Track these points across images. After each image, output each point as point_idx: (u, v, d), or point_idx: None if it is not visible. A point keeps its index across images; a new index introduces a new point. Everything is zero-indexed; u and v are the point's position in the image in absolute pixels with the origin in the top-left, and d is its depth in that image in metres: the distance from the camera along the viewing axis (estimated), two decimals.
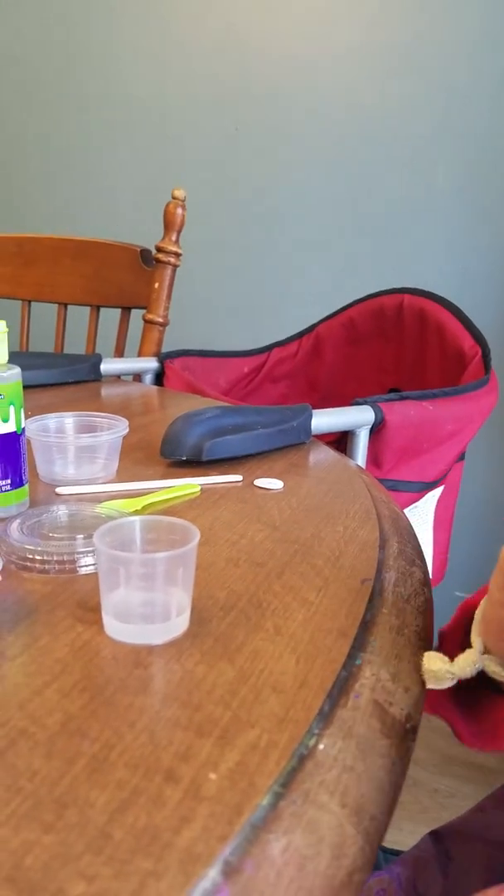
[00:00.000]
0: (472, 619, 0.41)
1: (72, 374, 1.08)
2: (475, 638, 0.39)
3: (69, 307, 1.42)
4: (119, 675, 0.37)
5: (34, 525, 0.52)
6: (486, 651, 0.39)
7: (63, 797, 0.28)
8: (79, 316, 1.45)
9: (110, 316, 1.41)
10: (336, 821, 0.29)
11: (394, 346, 1.31)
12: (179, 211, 1.26)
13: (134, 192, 1.81)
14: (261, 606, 0.45)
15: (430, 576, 0.81)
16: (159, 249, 1.28)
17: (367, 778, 0.32)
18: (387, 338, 1.31)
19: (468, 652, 0.39)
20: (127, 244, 1.34)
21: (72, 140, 1.86)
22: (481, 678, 0.39)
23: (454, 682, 0.40)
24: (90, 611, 0.43)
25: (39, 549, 0.48)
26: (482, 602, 0.40)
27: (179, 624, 0.41)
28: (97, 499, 0.61)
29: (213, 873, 0.26)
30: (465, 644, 0.41)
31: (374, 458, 0.94)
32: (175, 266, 1.29)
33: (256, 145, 1.68)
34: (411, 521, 0.65)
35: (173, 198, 1.26)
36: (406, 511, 0.91)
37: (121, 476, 0.68)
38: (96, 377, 1.11)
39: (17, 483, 0.56)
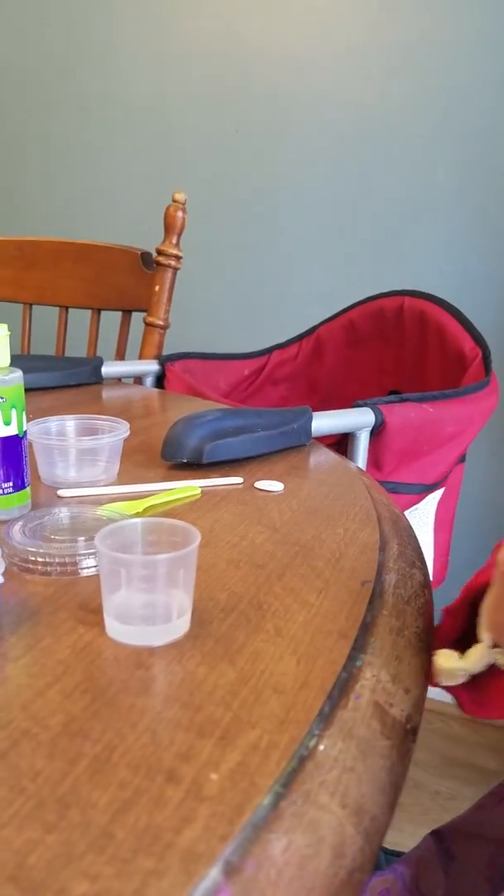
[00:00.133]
0: (474, 600, 0.42)
1: (73, 377, 1.09)
2: (484, 633, 0.40)
3: (70, 310, 1.42)
4: (121, 677, 0.37)
5: (36, 527, 0.52)
6: (495, 645, 0.39)
7: (65, 797, 0.29)
8: (80, 319, 1.45)
9: (111, 319, 1.41)
10: (336, 821, 0.29)
11: (394, 348, 1.31)
12: (180, 214, 1.26)
13: (134, 193, 1.82)
14: (261, 608, 0.45)
15: (431, 578, 0.81)
16: (160, 252, 1.28)
17: (368, 778, 0.32)
18: (387, 340, 1.31)
19: (478, 647, 0.40)
20: (128, 247, 1.34)
21: (72, 140, 1.86)
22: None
23: (466, 678, 0.41)
24: (92, 612, 0.43)
25: (41, 551, 0.48)
26: (486, 595, 0.41)
27: (180, 625, 0.41)
28: (98, 501, 0.62)
29: (214, 873, 0.26)
30: (468, 626, 0.41)
31: (375, 461, 0.94)
32: (175, 269, 1.29)
33: (256, 145, 1.68)
34: (412, 524, 0.65)
35: (174, 201, 1.26)
36: (406, 513, 0.91)
37: (122, 478, 0.68)
38: (97, 380, 1.12)
39: (20, 485, 0.56)
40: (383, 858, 0.77)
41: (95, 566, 0.48)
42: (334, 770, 0.32)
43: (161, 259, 1.28)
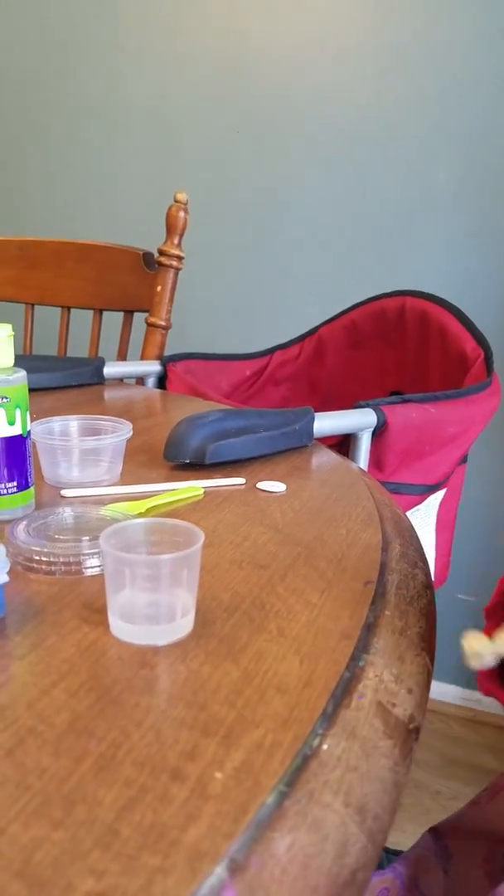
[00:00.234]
0: None
1: (75, 378, 1.09)
2: None
3: (72, 311, 1.42)
4: (125, 675, 0.37)
5: (40, 527, 0.53)
6: None
7: (71, 794, 0.29)
8: (82, 319, 1.46)
9: (113, 319, 1.41)
10: (340, 820, 0.30)
11: (396, 349, 1.31)
12: (182, 214, 1.27)
13: (134, 193, 1.82)
14: (264, 608, 0.45)
15: (433, 578, 0.81)
16: (161, 253, 1.28)
17: (371, 778, 0.32)
18: (389, 340, 1.31)
19: None
20: (129, 248, 1.34)
21: (72, 140, 1.86)
22: None
23: (497, 659, 0.40)
24: (96, 612, 0.43)
25: (46, 550, 0.49)
26: None
27: (184, 625, 0.42)
28: (102, 501, 0.62)
29: (219, 870, 0.26)
30: None
31: (377, 461, 0.94)
32: (177, 269, 1.29)
33: (256, 145, 1.68)
34: (414, 524, 0.66)
35: (176, 201, 1.26)
36: (408, 514, 0.92)
37: (125, 479, 0.68)
38: (99, 380, 1.12)
39: (24, 485, 0.57)
40: (384, 858, 0.77)
41: (99, 566, 0.49)
42: (338, 769, 0.32)
43: (163, 259, 1.28)
